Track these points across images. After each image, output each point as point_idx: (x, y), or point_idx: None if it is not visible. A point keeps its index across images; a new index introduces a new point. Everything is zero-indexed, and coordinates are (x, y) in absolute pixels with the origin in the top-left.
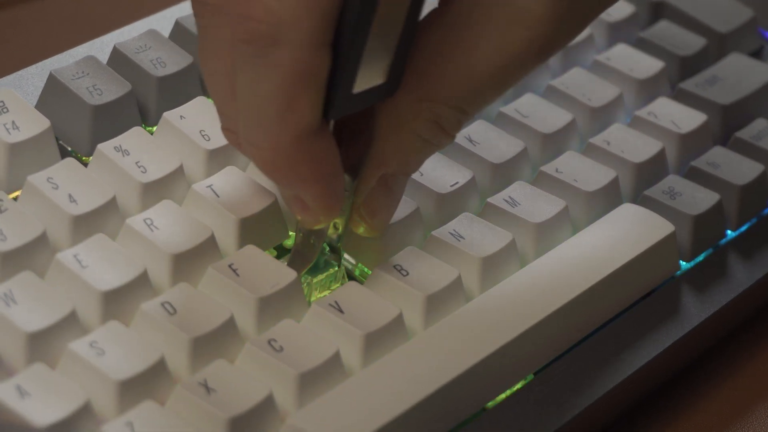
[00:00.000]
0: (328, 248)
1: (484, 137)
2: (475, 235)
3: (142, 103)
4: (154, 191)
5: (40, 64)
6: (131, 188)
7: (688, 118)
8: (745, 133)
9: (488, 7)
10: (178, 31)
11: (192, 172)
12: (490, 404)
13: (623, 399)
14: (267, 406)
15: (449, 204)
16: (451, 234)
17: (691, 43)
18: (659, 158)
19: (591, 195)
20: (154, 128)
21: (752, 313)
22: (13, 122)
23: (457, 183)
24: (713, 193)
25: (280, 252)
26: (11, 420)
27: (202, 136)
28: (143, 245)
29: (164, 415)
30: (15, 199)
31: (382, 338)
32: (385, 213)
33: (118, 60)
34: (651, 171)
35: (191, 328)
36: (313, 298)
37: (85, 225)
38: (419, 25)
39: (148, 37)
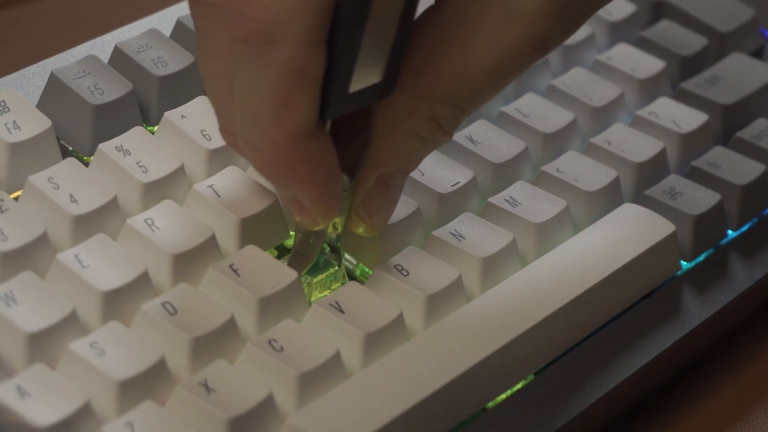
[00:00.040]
0: (328, 248)
1: (485, 137)
2: (475, 235)
3: (143, 102)
4: (155, 191)
5: (41, 63)
6: (132, 188)
7: (689, 118)
8: (746, 133)
9: (484, 5)
10: (180, 30)
11: (193, 172)
12: (491, 404)
13: (624, 399)
14: (267, 406)
15: (450, 204)
16: (452, 234)
17: (692, 42)
18: (660, 158)
19: (592, 195)
20: (156, 128)
21: (753, 313)
22: (14, 122)
23: (457, 183)
24: (714, 193)
25: (281, 252)
26: (11, 420)
27: (204, 135)
28: (144, 245)
29: (164, 416)
30: (16, 199)
31: (382, 338)
32: (384, 212)
33: (120, 59)
34: (652, 171)
35: (192, 328)
36: (313, 298)
37: (86, 225)
38: (415, 23)
39: (150, 37)
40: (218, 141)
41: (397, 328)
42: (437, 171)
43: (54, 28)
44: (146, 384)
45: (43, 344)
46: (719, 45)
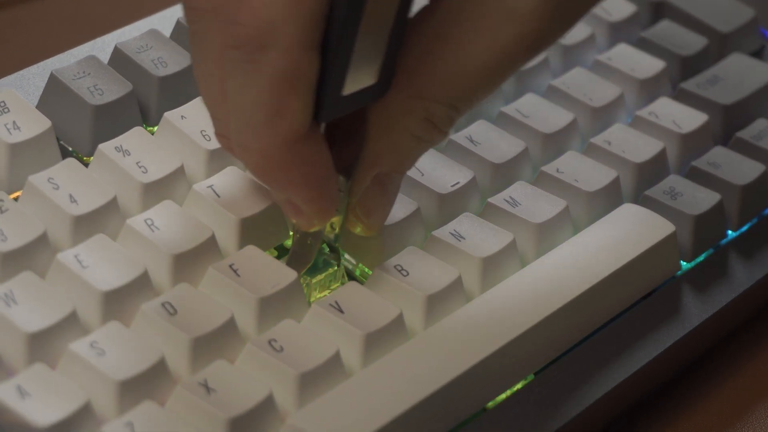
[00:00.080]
0: (327, 248)
1: (484, 137)
2: (475, 235)
3: (143, 103)
4: (155, 191)
5: (41, 64)
6: (132, 188)
7: (689, 118)
8: (746, 133)
9: (478, 5)
10: (180, 30)
11: (193, 173)
12: (491, 404)
13: (624, 399)
14: (267, 406)
15: (450, 204)
16: (452, 234)
17: (692, 43)
18: (660, 158)
19: (592, 195)
20: (155, 128)
21: (753, 313)
22: (14, 122)
23: (457, 183)
24: (714, 193)
25: (281, 252)
26: (11, 420)
27: (203, 136)
28: (144, 245)
29: (164, 416)
30: (16, 199)
31: (382, 338)
32: (381, 212)
33: (119, 60)
34: (652, 171)
35: (192, 329)
36: (312, 299)
37: (86, 225)
38: (409, 23)
39: (150, 37)
40: (217, 142)
41: (397, 328)
42: (437, 171)
43: (54, 28)
44: (146, 384)
45: (43, 344)
46: (719, 45)
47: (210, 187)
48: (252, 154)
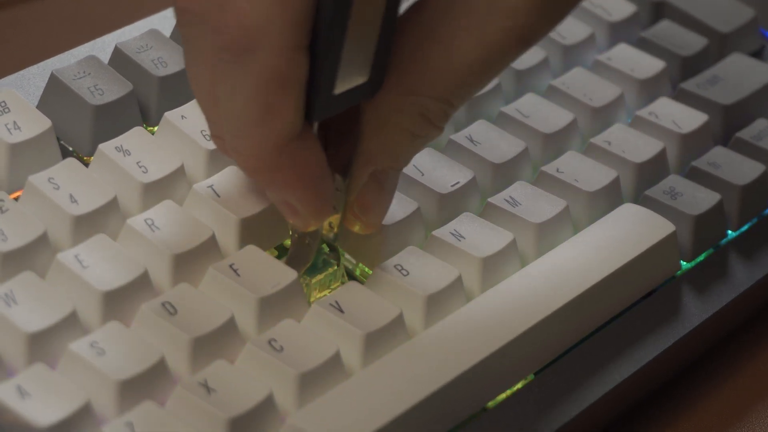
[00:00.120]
0: (327, 248)
1: (485, 137)
2: (475, 235)
3: (143, 103)
4: (155, 191)
5: (41, 64)
6: (132, 188)
7: (689, 118)
8: (746, 134)
9: (466, 1)
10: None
11: (193, 172)
12: (491, 404)
13: (624, 399)
14: (267, 406)
15: (450, 204)
16: (452, 234)
17: (692, 43)
18: (660, 158)
19: (592, 195)
20: (156, 128)
21: (753, 313)
22: (14, 122)
23: (457, 183)
24: (714, 193)
25: (281, 252)
26: (11, 420)
27: (203, 136)
28: (144, 245)
29: (164, 416)
30: (16, 199)
31: (382, 338)
32: (379, 209)
33: (120, 60)
34: (652, 171)
35: (192, 328)
36: (313, 298)
37: (86, 225)
38: (399, 20)
39: (150, 37)
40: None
41: (397, 328)
42: (437, 171)
43: (54, 28)
44: (146, 384)
45: (43, 344)
46: (719, 45)
47: (210, 187)
48: (245, 156)
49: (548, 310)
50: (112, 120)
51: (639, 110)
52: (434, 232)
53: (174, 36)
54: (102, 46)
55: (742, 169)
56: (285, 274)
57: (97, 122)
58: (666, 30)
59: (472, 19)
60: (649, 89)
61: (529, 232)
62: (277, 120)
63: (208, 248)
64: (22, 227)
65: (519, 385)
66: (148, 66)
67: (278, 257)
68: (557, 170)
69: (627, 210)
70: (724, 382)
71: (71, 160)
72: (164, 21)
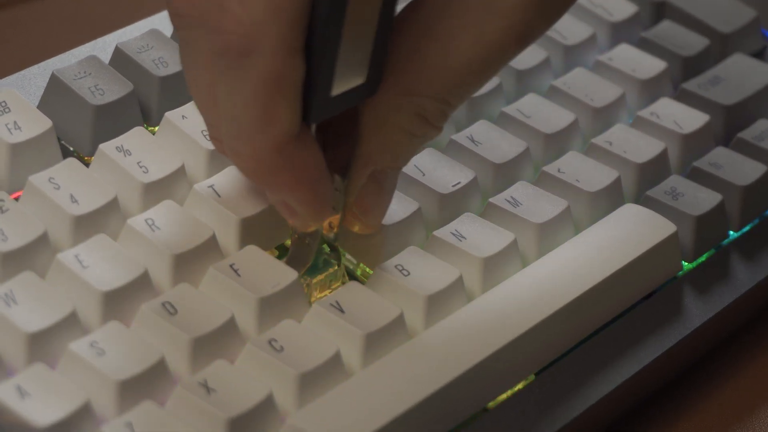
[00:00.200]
0: (328, 248)
1: (486, 137)
2: (476, 235)
3: (143, 103)
4: (156, 191)
5: (42, 64)
6: (133, 188)
7: (690, 119)
8: (747, 134)
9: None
10: None
11: (193, 172)
12: (491, 404)
13: (625, 400)
14: (267, 406)
15: (451, 204)
16: (453, 234)
17: (694, 43)
18: (661, 158)
19: (593, 195)
20: (156, 128)
21: (754, 313)
22: (14, 122)
23: (458, 183)
24: (715, 194)
25: (282, 252)
26: (11, 420)
27: (204, 136)
28: (144, 245)
29: (164, 416)
30: (16, 199)
31: (382, 338)
32: (378, 209)
33: (120, 60)
34: (653, 171)
35: (192, 328)
36: (313, 299)
37: (87, 225)
38: (395, 21)
39: (150, 37)
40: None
41: (397, 328)
42: (438, 171)
43: (54, 28)
44: (146, 384)
45: (43, 344)
46: (721, 46)
47: (210, 186)
48: (244, 159)
49: (549, 311)
50: (113, 120)
51: (640, 110)
52: (435, 232)
53: (174, 36)
54: (103, 46)
55: (743, 170)
56: (285, 274)
57: (97, 122)
58: (667, 30)
59: (470, 17)
60: (651, 89)
61: (530, 232)
62: (275, 122)
63: (209, 248)
64: (23, 227)
65: (520, 386)
66: (149, 66)
67: (279, 257)
68: (558, 170)
69: (628, 210)
70: (725, 382)
71: (72, 160)
72: (165, 21)
